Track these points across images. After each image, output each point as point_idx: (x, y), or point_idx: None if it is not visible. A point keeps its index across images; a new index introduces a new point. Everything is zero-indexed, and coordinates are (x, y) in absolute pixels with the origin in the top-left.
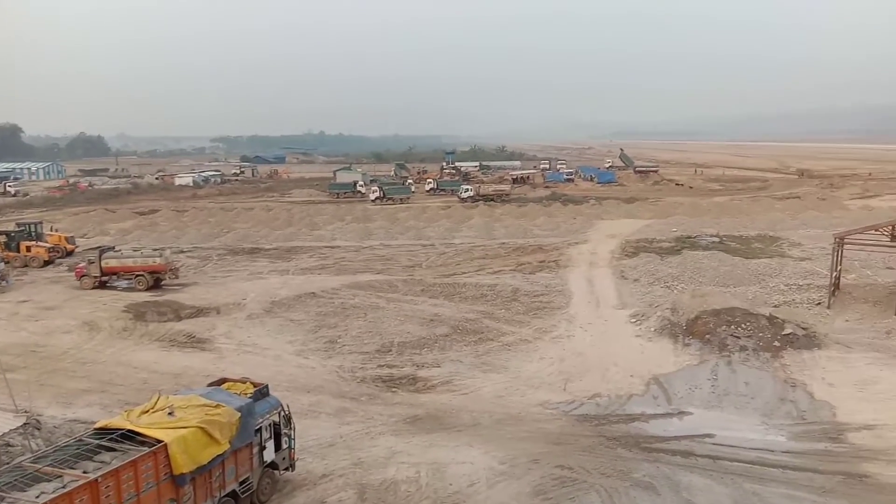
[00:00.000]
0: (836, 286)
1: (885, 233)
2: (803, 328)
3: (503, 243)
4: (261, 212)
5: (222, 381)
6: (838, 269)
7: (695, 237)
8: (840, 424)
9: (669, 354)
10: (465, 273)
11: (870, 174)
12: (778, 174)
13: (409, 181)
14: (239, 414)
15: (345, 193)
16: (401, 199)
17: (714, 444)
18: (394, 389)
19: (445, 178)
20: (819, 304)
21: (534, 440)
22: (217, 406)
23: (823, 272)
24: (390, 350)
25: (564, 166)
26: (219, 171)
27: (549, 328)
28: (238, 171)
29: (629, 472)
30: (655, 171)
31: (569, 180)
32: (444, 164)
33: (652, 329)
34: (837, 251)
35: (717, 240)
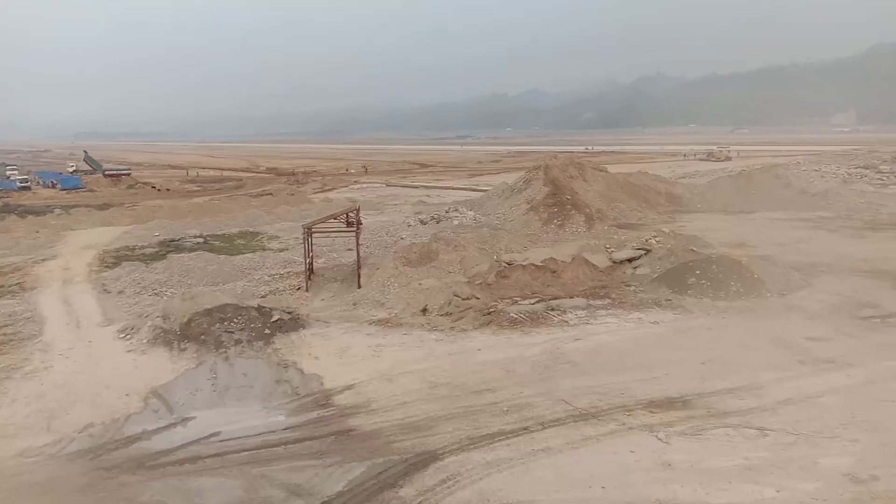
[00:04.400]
0: (310, 271)
1: (342, 220)
2: (288, 312)
3: None
4: None
5: None
6: (311, 255)
7: (179, 239)
8: (327, 391)
9: (166, 363)
10: None
11: (365, 168)
12: (250, 173)
13: None
14: None
15: None
16: None
17: (220, 441)
18: None
19: None
20: (299, 288)
21: (14, 499)
22: None
23: (299, 260)
24: None
25: (17, 172)
26: None
27: (20, 364)
28: None
29: (136, 498)
30: (128, 175)
31: (24, 188)
32: None
33: (144, 341)
34: (308, 239)
35: (201, 240)
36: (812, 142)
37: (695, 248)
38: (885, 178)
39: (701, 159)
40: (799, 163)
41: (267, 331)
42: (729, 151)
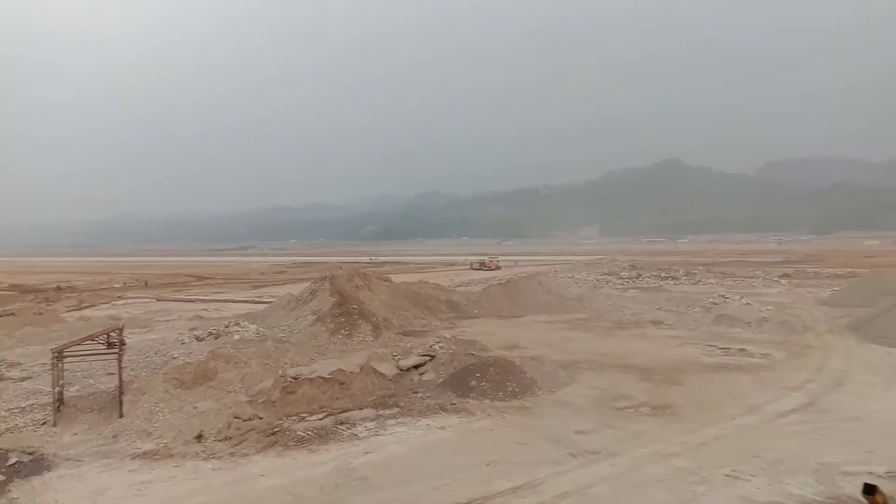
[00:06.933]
0: (60, 401)
1: (102, 341)
2: (29, 453)
3: None
4: None
5: None
6: (61, 383)
7: None
8: None
9: None
10: None
11: (145, 282)
12: None
13: None
14: None
15: None
16: None
17: None
18: None
19: None
20: (45, 423)
21: None
22: None
23: (46, 389)
24: None
25: None
26: None
27: None
28: None
29: None
30: None
31: None
32: None
33: None
34: (58, 365)
35: None
36: (565, 252)
37: (474, 352)
38: (625, 282)
39: (475, 268)
40: (556, 271)
41: (1, 477)
42: (498, 261)
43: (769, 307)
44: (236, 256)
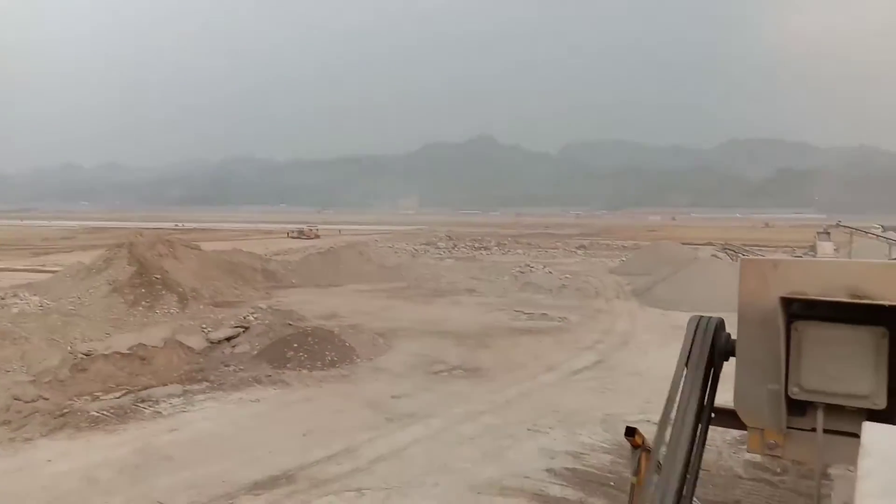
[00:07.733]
0: None
1: None
2: None
3: None
4: None
5: None
6: None
7: None
8: None
9: None
10: None
11: None
12: None
13: None
14: None
15: None
16: None
17: None
18: None
19: None
20: None
21: None
22: None
23: None
24: None
25: None
26: None
27: None
28: None
29: None
30: None
31: None
32: None
33: None
34: None
35: None
36: (386, 221)
37: (291, 322)
38: (442, 252)
39: (293, 237)
40: (376, 240)
41: None
42: (318, 229)
43: (567, 275)
44: (15, 220)
